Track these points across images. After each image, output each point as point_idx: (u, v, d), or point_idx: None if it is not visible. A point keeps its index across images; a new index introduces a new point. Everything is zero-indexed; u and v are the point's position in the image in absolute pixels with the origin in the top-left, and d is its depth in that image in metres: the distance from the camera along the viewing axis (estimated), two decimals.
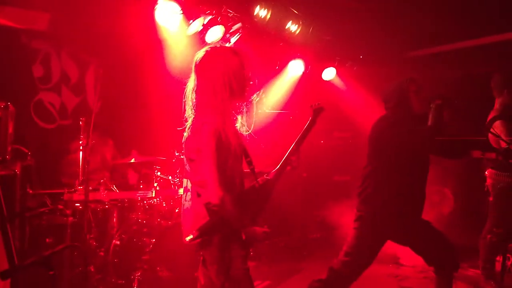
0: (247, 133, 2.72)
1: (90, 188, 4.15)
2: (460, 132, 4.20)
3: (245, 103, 2.65)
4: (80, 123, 4.21)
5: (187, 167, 2.57)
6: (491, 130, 4.22)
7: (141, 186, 4.77)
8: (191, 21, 4.69)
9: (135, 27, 4.83)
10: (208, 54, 2.56)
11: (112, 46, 5.10)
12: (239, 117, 2.66)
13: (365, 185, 3.59)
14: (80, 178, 4.24)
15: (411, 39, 6.40)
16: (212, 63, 2.53)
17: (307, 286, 3.64)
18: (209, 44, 4.90)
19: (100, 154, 5.12)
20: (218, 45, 2.68)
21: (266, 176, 2.76)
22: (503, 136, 4.22)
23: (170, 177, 4.75)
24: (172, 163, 4.85)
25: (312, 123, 2.94)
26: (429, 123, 3.36)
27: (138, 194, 4.60)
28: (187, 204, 2.64)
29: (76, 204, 4.25)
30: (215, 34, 4.94)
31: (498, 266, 4.85)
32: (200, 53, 2.58)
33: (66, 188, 4.27)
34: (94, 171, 4.75)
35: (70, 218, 4.13)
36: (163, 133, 5.30)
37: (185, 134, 2.55)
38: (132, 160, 4.70)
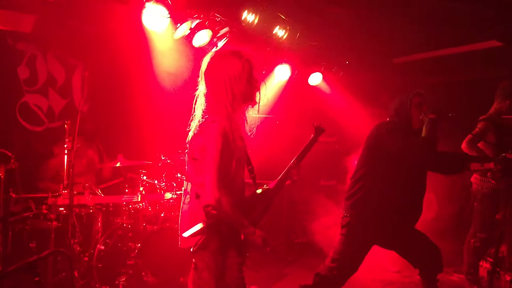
0: (251, 137, 2.74)
1: (75, 192, 4.10)
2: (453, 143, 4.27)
3: (251, 107, 2.66)
4: (66, 126, 4.17)
5: (189, 167, 2.56)
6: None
7: (127, 190, 4.73)
8: (179, 24, 4.67)
9: (122, 30, 4.81)
10: (212, 59, 2.59)
11: (99, 49, 5.06)
12: (246, 122, 2.68)
13: (355, 188, 3.61)
14: (65, 182, 4.18)
15: (396, 46, 6.46)
16: (216, 68, 2.55)
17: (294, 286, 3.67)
18: (201, 48, 4.96)
19: (86, 157, 5.08)
20: (223, 49, 2.69)
21: (266, 186, 2.80)
22: (477, 136, 4.29)
23: (156, 182, 4.72)
24: (158, 167, 4.82)
25: (314, 140, 3.01)
26: (423, 136, 3.41)
27: (123, 199, 4.56)
28: (185, 206, 2.63)
29: (60, 209, 4.20)
30: (202, 38, 4.94)
31: (482, 271, 4.92)
32: (206, 58, 2.62)
33: (49, 192, 4.21)
34: (79, 175, 4.71)
35: (54, 223, 4.07)
36: (149, 137, 5.29)
37: (190, 133, 2.56)
38: (118, 164, 4.66)
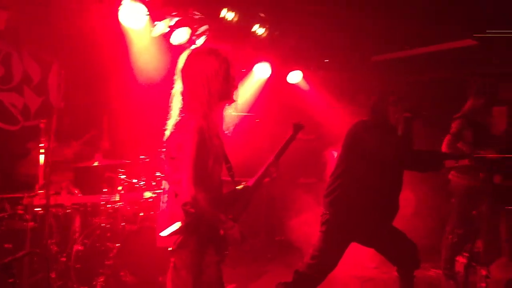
0: (228, 135, 2.74)
1: (52, 192, 4.04)
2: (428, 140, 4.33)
3: (229, 105, 2.65)
4: (41, 125, 4.11)
5: (167, 166, 2.54)
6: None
7: (105, 190, 4.68)
8: (157, 22, 4.63)
9: (100, 27, 4.74)
10: (189, 56, 2.58)
11: (75, 46, 4.99)
12: (224, 120, 2.68)
13: (333, 186, 3.65)
14: (41, 181, 4.12)
15: (375, 44, 6.51)
16: (192, 66, 2.54)
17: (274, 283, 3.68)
18: (179, 46, 4.93)
19: (63, 156, 4.99)
20: (200, 47, 2.69)
21: (244, 184, 2.79)
22: (455, 135, 4.37)
23: (135, 181, 4.68)
24: (137, 166, 4.78)
25: (292, 138, 3.01)
26: (399, 135, 3.46)
27: (101, 198, 4.51)
28: (164, 205, 2.63)
29: (37, 209, 4.12)
30: (181, 35, 4.90)
31: (458, 266, 5.00)
32: (182, 56, 2.60)
33: (25, 192, 4.14)
34: (56, 174, 4.63)
35: (31, 223, 3.99)
36: (128, 135, 5.23)
37: (167, 132, 2.54)
38: (96, 164, 4.61)
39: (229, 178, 2.73)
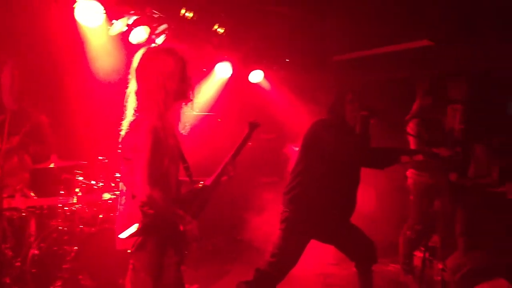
0: (184, 135, 2.72)
1: (5, 195, 3.92)
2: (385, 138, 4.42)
3: (185, 104, 2.65)
4: None
5: (123, 168, 2.51)
6: (407, 130, 4.50)
7: (62, 192, 4.56)
8: (114, 21, 4.55)
9: (55, 26, 4.61)
10: (144, 56, 2.55)
11: (30, 45, 4.82)
12: (180, 119, 2.67)
13: (293, 184, 3.69)
14: None
15: (335, 44, 6.61)
16: (147, 65, 2.52)
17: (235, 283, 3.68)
18: (138, 45, 4.85)
19: (17, 158, 4.83)
20: (155, 46, 2.67)
21: (202, 183, 2.79)
22: (416, 136, 4.49)
23: (93, 182, 4.59)
24: (95, 167, 4.69)
25: (248, 136, 3.08)
26: (356, 133, 3.53)
27: (58, 200, 4.40)
28: (121, 207, 2.59)
29: None
30: (139, 34, 4.83)
31: (416, 261, 5.14)
32: (137, 55, 2.57)
33: None
34: (10, 176, 4.48)
35: None
36: (85, 136, 5.12)
37: (122, 133, 2.51)
38: (52, 165, 4.48)
39: (187, 178, 2.72)
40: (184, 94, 2.60)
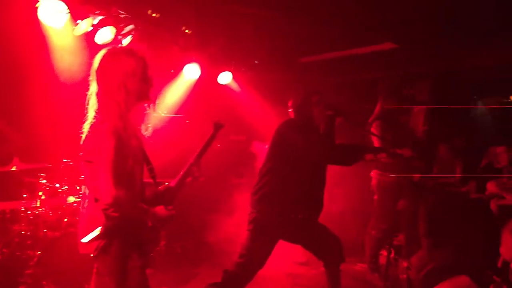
0: (147, 136, 2.70)
1: None
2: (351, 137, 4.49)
3: (147, 105, 2.63)
4: None
5: (85, 171, 2.46)
6: (372, 130, 4.58)
7: (25, 196, 4.45)
8: (79, 21, 4.47)
9: (17, 26, 4.49)
10: (104, 57, 2.52)
11: None
12: (143, 120, 2.64)
13: (261, 184, 3.70)
14: None
15: (303, 46, 6.66)
16: (108, 66, 2.48)
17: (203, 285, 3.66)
18: (104, 46, 4.77)
19: None
20: (115, 47, 2.63)
21: (167, 184, 2.78)
22: (380, 136, 4.58)
23: (57, 185, 4.50)
24: (59, 170, 4.60)
25: (213, 137, 3.06)
26: (322, 132, 3.58)
27: (21, 204, 4.29)
28: (84, 211, 2.54)
29: None
30: (105, 35, 4.76)
31: (382, 260, 5.22)
32: (97, 57, 2.53)
33: None
34: None
35: None
36: (49, 138, 5.01)
37: (83, 135, 2.47)
38: (14, 168, 4.37)
39: (151, 180, 2.70)
40: (146, 94, 2.57)
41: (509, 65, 5.52)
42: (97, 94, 2.50)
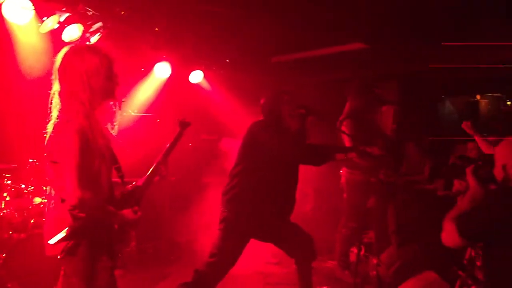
0: (114, 135, 2.66)
1: None
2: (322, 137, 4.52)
3: (113, 103, 2.60)
4: None
5: (50, 171, 2.42)
6: (342, 129, 4.62)
7: None
8: (45, 18, 4.37)
9: None
10: (66, 55, 2.46)
11: None
12: (111, 119, 2.62)
13: (232, 184, 3.69)
14: None
15: (274, 46, 6.68)
16: (71, 64, 2.43)
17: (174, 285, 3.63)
18: (68, 43, 4.68)
19: None
20: (78, 44, 2.59)
21: (134, 183, 2.75)
22: (350, 134, 4.64)
23: (23, 186, 4.39)
24: (25, 171, 4.49)
25: (179, 136, 3.07)
26: (293, 131, 3.59)
27: None
28: (50, 212, 2.51)
29: None
30: (73, 32, 4.67)
31: (352, 257, 5.29)
32: (59, 55, 2.48)
33: None
34: None
35: None
36: (14, 138, 4.88)
37: (47, 136, 2.42)
38: None
39: (119, 179, 2.66)
40: (112, 93, 2.54)
41: (474, 65, 5.65)
42: (60, 94, 2.45)
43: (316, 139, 3.91)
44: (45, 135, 2.44)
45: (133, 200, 2.65)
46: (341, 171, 5.10)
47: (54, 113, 2.45)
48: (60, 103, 2.44)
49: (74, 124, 2.33)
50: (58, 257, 2.46)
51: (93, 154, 2.37)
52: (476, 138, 4.29)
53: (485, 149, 4.16)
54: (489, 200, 2.41)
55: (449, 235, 2.41)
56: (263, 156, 3.62)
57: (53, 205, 2.47)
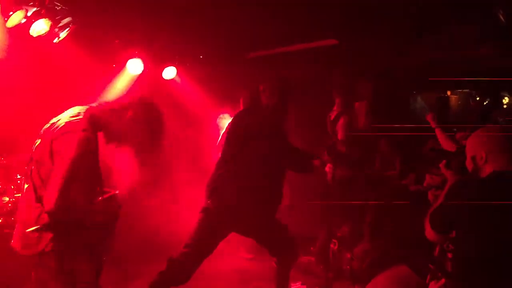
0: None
1: None
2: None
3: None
4: None
5: (34, 169, 2.41)
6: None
7: None
8: (11, 12, 4.25)
9: None
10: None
11: None
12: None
13: (216, 176, 3.66)
14: None
15: (249, 42, 6.66)
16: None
17: (149, 283, 3.57)
18: (39, 38, 4.57)
19: None
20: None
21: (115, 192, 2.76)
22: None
23: None
24: None
25: None
26: (271, 106, 3.65)
27: None
28: (22, 211, 2.54)
29: None
30: (40, 27, 4.55)
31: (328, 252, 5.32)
32: None
33: None
34: None
35: None
36: None
37: (39, 137, 2.44)
38: None
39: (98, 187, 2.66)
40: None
41: (445, 62, 5.74)
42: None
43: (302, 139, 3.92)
44: (40, 130, 2.48)
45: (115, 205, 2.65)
46: (326, 168, 5.11)
47: (64, 116, 2.47)
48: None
49: (82, 133, 2.36)
50: (33, 256, 2.43)
51: (85, 164, 2.39)
52: (437, 130, 4.26)
53: (444, 143, 4.13)
54: (456, 191, 2.44)
55: (427, 230, 2.49)
56: (246, 148, 3.59)
57: (27, 203, 2.49)
